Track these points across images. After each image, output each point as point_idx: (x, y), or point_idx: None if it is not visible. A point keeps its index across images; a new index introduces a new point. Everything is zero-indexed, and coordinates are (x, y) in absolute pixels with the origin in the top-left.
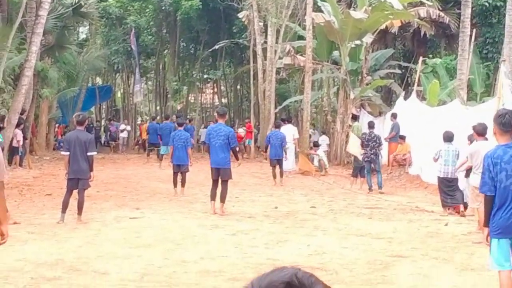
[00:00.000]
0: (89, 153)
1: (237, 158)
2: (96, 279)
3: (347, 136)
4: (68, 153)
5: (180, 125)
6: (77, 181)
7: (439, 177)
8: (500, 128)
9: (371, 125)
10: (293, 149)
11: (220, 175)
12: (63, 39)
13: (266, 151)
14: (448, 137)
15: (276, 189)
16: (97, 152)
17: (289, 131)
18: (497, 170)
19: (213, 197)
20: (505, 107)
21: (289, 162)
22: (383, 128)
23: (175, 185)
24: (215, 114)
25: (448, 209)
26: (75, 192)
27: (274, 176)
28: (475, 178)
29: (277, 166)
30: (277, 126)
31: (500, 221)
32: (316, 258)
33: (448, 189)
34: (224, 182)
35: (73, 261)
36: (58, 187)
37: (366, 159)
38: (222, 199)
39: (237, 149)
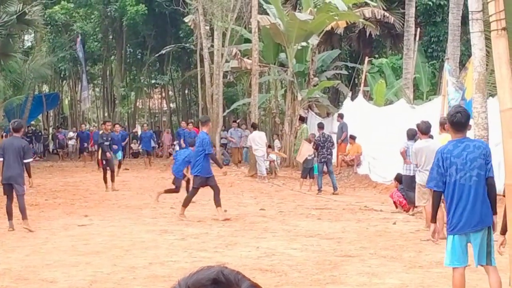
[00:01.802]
0: (25, 160)
1: (217, 165)
2: (44, 287)
3: (296, 137)
4: (1, 159)
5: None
6: (11, 187)
7: (406, 175)
8: (453, 127)
9: (321, 126)
10: (265, 153)
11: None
12: (8, 47)
13: None
14: (412, 135)
15: (226, 192)
16: (33, 159)
17: (260, 137)
18: (447, 165)
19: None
20: (450, 105)
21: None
22: (331, 129)
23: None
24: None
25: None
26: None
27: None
28: (421, 176)
29: None
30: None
31: (454, 218)
32: (265, 260)
33: (409, 189)
34: (212, 188)
35: (20, 270)
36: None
37: (322, 159)
38: (216, 203)
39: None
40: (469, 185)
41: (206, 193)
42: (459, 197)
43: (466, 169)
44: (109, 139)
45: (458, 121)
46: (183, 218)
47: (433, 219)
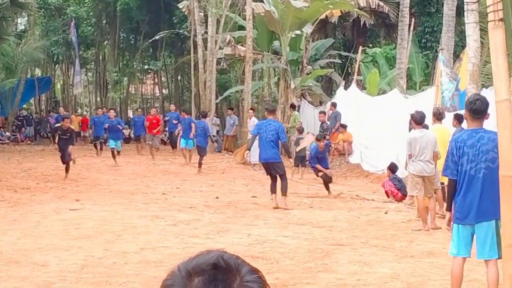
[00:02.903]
0: None
1: (288, 155)
2: (35, 270)
3: (290, 126)
4: None
5: None
6: None
7: None
8: (470, 115)
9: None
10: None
11: (272, 170)
12: (1, 30)
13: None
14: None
15: (218, 179)
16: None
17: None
18: (459, 154)
19: (273, 191)
20: (444, 95)
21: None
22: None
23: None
24: (265, 111)
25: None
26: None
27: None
28: (414, 166)
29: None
30: (204, 116)
31: (459, 207)
32: (257, 247)
33: None
34: (281, 176)
35: (12, 253)
36: None
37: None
38: (284, 192)
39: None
40: (478, 177)
41: (198, 179)
42: (467, 187)
43: (477, 160)
44: (67, 134)
45: (477, 108)
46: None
47: (449, 207)
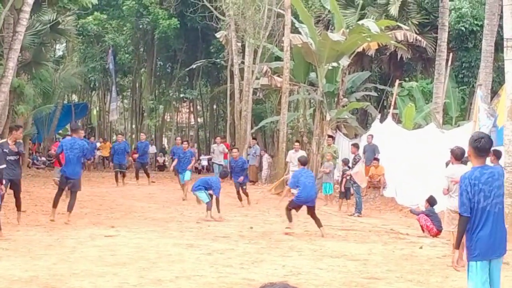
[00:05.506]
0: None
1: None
2: None
3: (323, 157)
4: None
5: None
6: None
7: None
8: (475, 152)
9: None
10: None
11: (71, 185)
12: (40, 56)
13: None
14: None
15: (251, 209)
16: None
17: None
18: (474, 191)
19: (55, 205)
20: (481, 131)
21: None
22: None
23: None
24: (70, 130)
25: None
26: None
27: (240, 199)
28: (451, 201)
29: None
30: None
31: (478, 243)
32: (292, 279)
33: None
34: (74, 193)
35: (47, 278)
36: (32, 204)
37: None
38: (69, 209)
39: (90, 160)
40: (494, 212)
41: (231, 209)
42: (483, 223)
43: (492, 196)
44: (15, 155)
45: (482, 146)
46: None
47: (457, 245)
